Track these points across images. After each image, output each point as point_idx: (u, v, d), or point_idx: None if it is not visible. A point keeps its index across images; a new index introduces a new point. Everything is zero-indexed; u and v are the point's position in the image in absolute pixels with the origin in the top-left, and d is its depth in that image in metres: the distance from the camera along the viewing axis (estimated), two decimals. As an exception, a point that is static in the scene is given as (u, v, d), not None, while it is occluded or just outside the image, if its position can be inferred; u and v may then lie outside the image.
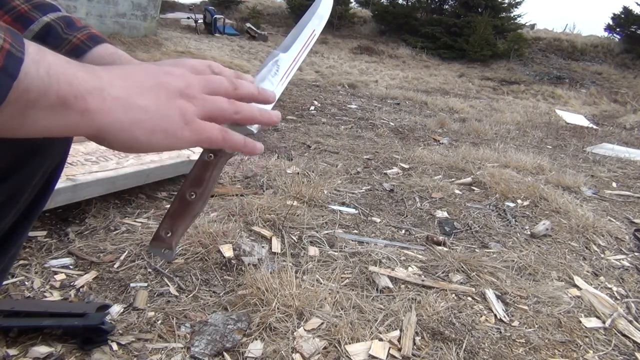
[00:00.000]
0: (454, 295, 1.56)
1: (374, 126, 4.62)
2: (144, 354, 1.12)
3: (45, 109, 0.38)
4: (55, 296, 1.30)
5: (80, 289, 1.34)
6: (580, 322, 1.50)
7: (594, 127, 6.88)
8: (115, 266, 1.47)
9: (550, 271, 1.84)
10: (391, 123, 4.94)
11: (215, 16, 15.25)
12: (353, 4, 21.67)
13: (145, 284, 1.40)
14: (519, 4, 19.01)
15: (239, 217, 1.89)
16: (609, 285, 1.81)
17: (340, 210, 2.17)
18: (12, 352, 1.06)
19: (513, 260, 1.86)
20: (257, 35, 15.61)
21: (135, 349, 1.13)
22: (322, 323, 1.29)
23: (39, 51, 0.38)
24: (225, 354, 1.15)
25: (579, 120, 7.35)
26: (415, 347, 1.26)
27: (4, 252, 0.67)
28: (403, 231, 2.07)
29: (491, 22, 16.92)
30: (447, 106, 6.97)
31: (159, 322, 1.24)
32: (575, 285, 1.76)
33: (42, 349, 1.08)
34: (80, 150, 1.92)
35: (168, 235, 0.55)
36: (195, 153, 2.10)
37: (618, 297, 1.73)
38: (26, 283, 1.33)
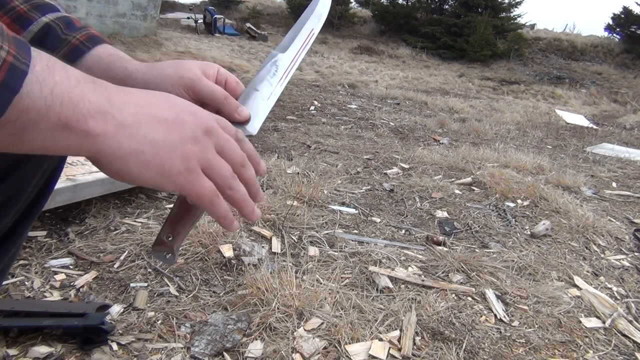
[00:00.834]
0: (454, 295, 1.56)
1: (374, 126, 4.62)
2: (144, 354, 1.12)
3: (45, 130, 0.37)
4: (55, 296, 1.30)
5: (80, 289, 1.34)
6: (580, 322, 1.50)
7: (594, 127, 6.88)
8: (115, 266, 1.47)
9: (550, 271, 1.84)
10: (391, 123, 4.94)
11: (215, 16, 15.26)
12: (353, 4, 21.67)
13: (145, 284, 1.40)
14: (519, 4, 19.02)
15: (239, 217, 1.89)
16: (609, 285, 1.81)
17: (340, 210, 2.17)
18: (12, 352, 1.06)
19: (513, 260, 1.86)
20: (257, 35, 15.61)
21: (135, 349, 1.13)
22: (322, 323, 1.29)
23: (46, 68, 0.37)
24: (225, 354, 1.15)
25: (579, 120, 7.36)
26: (415, 347, 1.26)
27: (4, 252, 0.67)
28: (403, 231, 2.07)
29: (491, 22, 16.92)
30: (447, 106, 6.97)
31: (159, 322, 1.24)
32: (575, 285, 1.75)
33: (42, 349, 1.08)
34: (80, 150, 1.92)
35: (169, 239, 0.54)
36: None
37: (618, 297, 1.73)
38: (26, 283, 1.33)
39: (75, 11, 8.83)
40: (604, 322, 1.52)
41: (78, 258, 1.49)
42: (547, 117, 7.36)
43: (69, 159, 1.74)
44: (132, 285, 1.38)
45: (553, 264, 1.90)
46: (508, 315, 1.49)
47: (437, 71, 13.97)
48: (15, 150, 0.38)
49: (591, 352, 1.36)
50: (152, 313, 1.27)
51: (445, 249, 1.92)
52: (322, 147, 3.41)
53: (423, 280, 1.61)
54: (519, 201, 2.60)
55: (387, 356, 1.21)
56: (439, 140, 4.34)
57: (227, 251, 1.59)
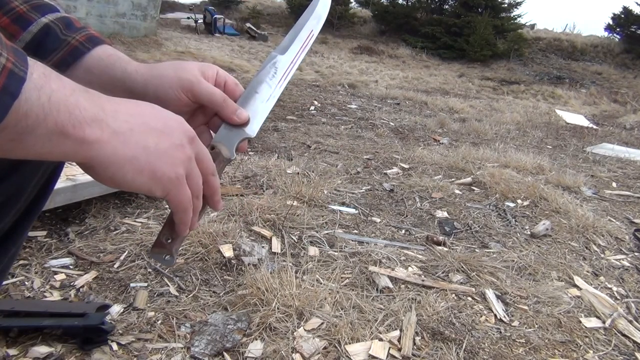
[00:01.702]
0: (454, 295, 1.56)
1: (374, 126, 4.62)
2: (144, 354, 1.12)
3: (42, 135, 0.38)
4: (55, 296, 1.30)
5: (80, 289, 1.34)
6: (580, 322, 1.50)
7: (594, 127, 6.88)
8: (115, 266, 1.47)
9: (550, 271, 1.84)
10: (391, 123, 4.94)
11: (215, 16, 15.26)
12: (353, 4, 21.67)
13: (145, 284, 1.40)
14: (519, 4, 19.03)
15: (239, 217, 1.89)
16: (609, 285, 1.81)
17: (340, 210, 2.17)
18: (12, 352, 1.06)
19: (513, 260, 1.86)
20: (257, 35, 15.62)
21: (135, 349, 1.13)
22: (322, 323, 1.29)
23: (43, 76, 0.38)
24: (225, 354, 1.15)
25: (579, 120, 7.36)
26: (415, 347, 1.26)
27: (4, 252, 0.67)
28: (403, 231, 2.07)
29: (491, 22, 16.93)
30: (447, 106, 6.97)
31: (159, 322, 1.24)
32: (575, 285, 1.75)
33: (42, 349, 1.08)
34: (80, 150, 1.92)
35: (168, 241, 0.56)
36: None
37: (618, 297, 1.73)
38: (26, 283, 1.33)
39: (75, 11, 8.83)
40: (604, 322, 1.52)
41: (78, 258, 1.49)
42: (547, 117, 7.36)
43: (69, 159, 1.74)
44: (132, 285, 1.38)
45: (553, 264, 1.90)
46: (508, 315, 1.49)
47: (437, 71, 13.97)
48: (12, 156, 0.39)
49: (591, 352, 1.36)
50: (152, 313, 1.27)
51: (445, 249, 1.92)
52: (322, 147, 3.41)
53: (423, 280, 1.61)
54: (519, 201, 2.60)
55: (387, 356, 1.21)
56: (439, 140, 4.34)
57: (227, 251, 1.59)
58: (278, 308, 1.30)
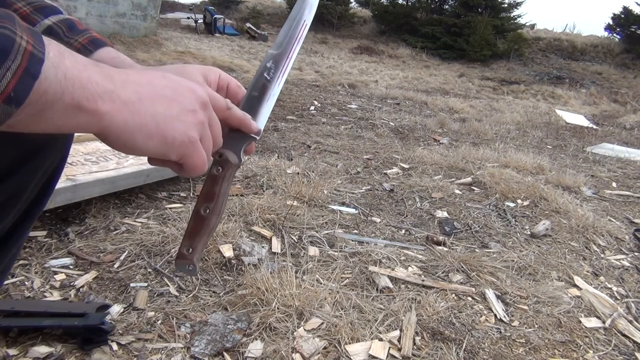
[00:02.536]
0: (454, 295, 1.56)
1: (374, 126, 4.62)
2: (144, 354, 1.12)
3: (60, 110, 0.40)
4: (55, 296, 1.30)
5: (80, 289, 1.34)
6: (580, 322, 1.50)
7: (594, 127, 6.88)
8: (115, 266, 1.47)
9: (550, 271, 1.84)
10: (391, 123, 4.94)
11: (215, 16, 15.26)
12: (353, 4, 21.69)
13: (145, 284, 1.40)
14: (519, 4, 19.05)
15: (239, 217, 1.89)
16: (609, 285, 1.81)
17: (340, 210, 2.17)
18: (12, 352, 1.06)
19: (513, 260, 1.86)
20: (257, 35, 15.62)
21: (135, 349, 1.13)
22: (322, 323, 1.29)
23: (58, 54, 0.40)
24: (225, 354, 1.15)
25: (579, 120, 7.36)
26: (415, 347, 1.26)
27: (4, 252, 0.67)
28: (403, 231, 2.07)
29: (491, 22, 16.94)
30: (447, 106, 6.97)
31: (159, 322, 1.24)
32: (575, 285, 1.76)
33: (42, 349, 1.08)
34: (80, 150, 1.92)
35: (190, 252, 0.57)
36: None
37: (618, 297, 1.73)
38: (26, 283, 1.33)
39: (75, 11, 8.83)
40: (604, 322, 1.52)
41: (78, 258, 1.49)
42: (547, 117, 7.36)
43: (69, 159, 1.74)
44: (132, 285, 1.38)
45: (553, 264, 1.90)
46: (508, 315, 1.49)
47: (437, 71, 13.97)
48: (31, 130, 0.41)
49: (591, 352, 1.36)
50: (152, 313, 1.27)
51: (445, 249, 1.92)
52: (322, 147, 3.41)
53: (423, 280, 1.61)
54: (519, 201, 2.60)
55: (387, 356, 1.21)
56: (439, 140, 4.34)
57: (227, 251, 1.59)
58: (278, 308, 1.30)
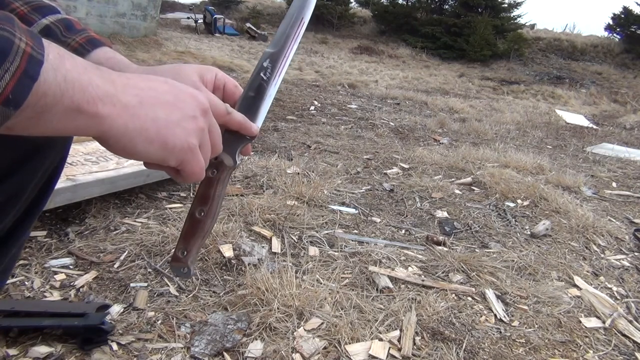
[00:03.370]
0: (454, 295, 1.56)
1: (374, 126, 4.62)
2: (144, 354, 1.12)
3: (59, 112, 0.40)
4: (55, 296, 1.30)
5: (80, 289, 1.34)
6: (580, 322, 1.50)
7: (594, 127, 6.88)
8: (115, 266, 1.47)
9: (550, 271, 1.84)
10: (391, 123, 4.94)
11: (215, 16, 15.26)
12: (353, 4, 21.69)
13: (145, 284, 1.40)
14: (519, 4, 19.05)
15: (239, 217, 1.89)
16: (609, 285, 1.81)
17: (340, 210, 2.17)
18: (12, 352, 1.06)
19: (513, 260, 1.86)
20: (257, 35, 15.62)
21: (135, 349, 1.13)
22: (322, 323, 1.29)
23: (58, 57, 0.40)
24: (225, 354, 1.15)
25: (579, 120, 7.36)
26: (415, 347, 1.26)
27: (4, 252, 0.67)
28: (403, 231, 2.07)
29: (491, 22, 16.94)
30: (447, 106, 6.97)
31: (159, 322, 1.24)
32: (575, 285, 1.76)
33: (42, 349, 1.08)
34: (80, 150, 1.92)
35: (184, 254, 0.57)
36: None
37: (618, 297, 1.73)
38: (26, 283, 1.33)
39: (75, 11, 8.83)
40: (604, 322, 1.52)
41: (78, 258, 1.49)
42: (547, 117, 7.36)
43: (69, 159, 1.74)
44: (132, 285, 1.38)
45: (553, 264, 1.90)
46: (508, 315, 1.49)
47: (437, 71, 13.97)
48: (30, 133, 0.41)
49: (591, 352, 1.36)
50: (152, 313, 1.27)
51: (445, 249, 1.92)
52: (322, 147, 3.41)
53: (423, 280, 1.61)
54: (519, 201, 2.60)
55: (387, 356, 1.21)
56: (439, 140, 4.34)
57: (227, 251, 1.59)
58: (278, 308, 1.30)
